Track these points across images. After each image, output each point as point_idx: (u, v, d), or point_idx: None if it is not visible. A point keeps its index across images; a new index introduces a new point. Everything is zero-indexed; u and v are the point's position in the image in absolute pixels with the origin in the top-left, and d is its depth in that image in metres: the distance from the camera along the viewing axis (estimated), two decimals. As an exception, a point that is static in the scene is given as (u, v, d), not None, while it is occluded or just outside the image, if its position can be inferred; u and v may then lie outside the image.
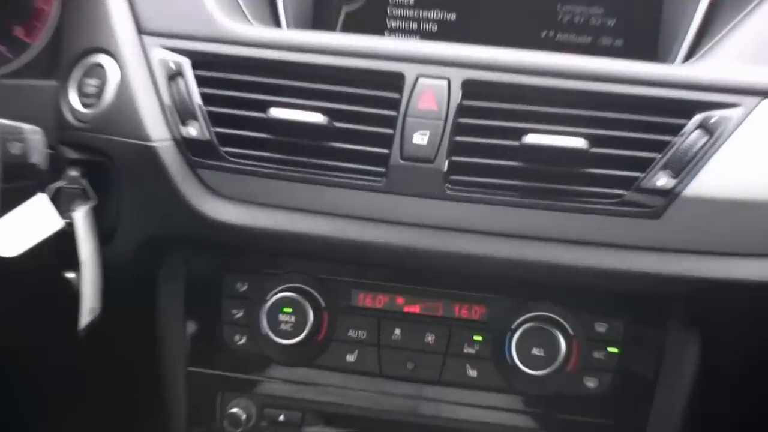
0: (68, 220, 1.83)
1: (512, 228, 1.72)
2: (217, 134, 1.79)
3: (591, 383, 1.81)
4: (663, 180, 1.68)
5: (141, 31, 1.85)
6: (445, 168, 1.72)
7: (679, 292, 1.73)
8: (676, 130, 1.69)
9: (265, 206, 1.78)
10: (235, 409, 1.90)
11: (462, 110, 1.74)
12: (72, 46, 1.91)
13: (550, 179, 1.72)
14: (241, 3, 1.93)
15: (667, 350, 1.80)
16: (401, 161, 1.73)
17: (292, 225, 1.76)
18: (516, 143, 1.70)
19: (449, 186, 1.73)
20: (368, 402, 1.88)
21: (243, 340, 1.89)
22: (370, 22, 2.13)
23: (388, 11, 2.13)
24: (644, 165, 1.69)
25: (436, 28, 2.11)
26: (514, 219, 1.72)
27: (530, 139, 1.69)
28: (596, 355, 1.80)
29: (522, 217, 1.72)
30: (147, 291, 1.93)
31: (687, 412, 1.82)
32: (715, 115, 1.69)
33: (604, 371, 1.80)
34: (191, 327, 1.93)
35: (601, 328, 1.80)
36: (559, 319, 1.79)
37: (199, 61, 1.81)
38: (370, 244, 1.74)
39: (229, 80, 1.81)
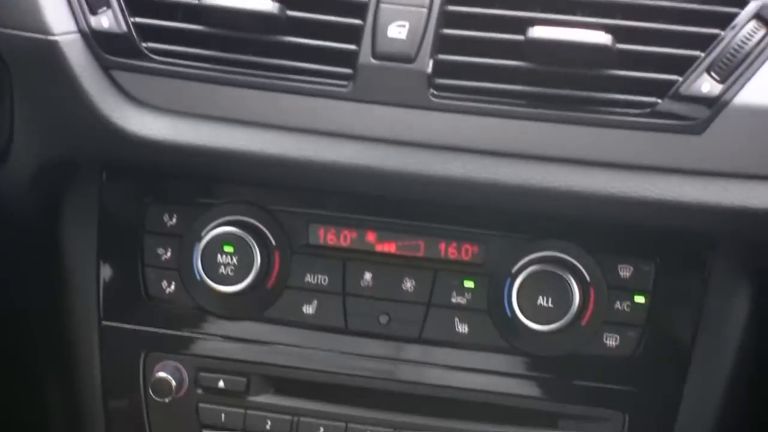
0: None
1: (514, 145, 1.65)
2: (137, 25, 1.71)
3: (612, 341, 1.74)
4: (707, 85, 1.60)
5: None
6: (429, 69, 1.65)
7: (725, 226, 1.67)
8: (724, 21, 1.62)
9: (198, 117, 1.71)
10: (162, 374, 1.82)
11: None
12: None
13: (564, 84, 1.64)
14: None
15: (708, 301, 1.74)
16: (373, 60, 1.66)
17: (233, 141, 1.69)
18: (520, 38, 1.62)
19: (434, 92, 1.65)
20: (330, 364, 1.81)
21: (172, 288, 1.83)
22: None
23: None
24: (683, 66, 1.61)
25: None
26: (516, 134, 1.64)
27: (538, 32, 1.60)
28: (619, 306, 1.73)
29: (526, 132, 1.64)
30: (49, 227, 1.86)
31: (732, 379, 1.78)
32: None
33: (629, 326, 1.74)
34: (106, 272, 1.86)
35: (625, 272, 1.73)
36: (573, 261, 1.72)
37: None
38: (332, 165, 1.67)
39: None
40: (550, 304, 1.68)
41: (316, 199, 1.78)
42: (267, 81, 1.68)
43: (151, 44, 1.71)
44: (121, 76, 1.72)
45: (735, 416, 1.80)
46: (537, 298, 1.68)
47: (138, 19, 1.71)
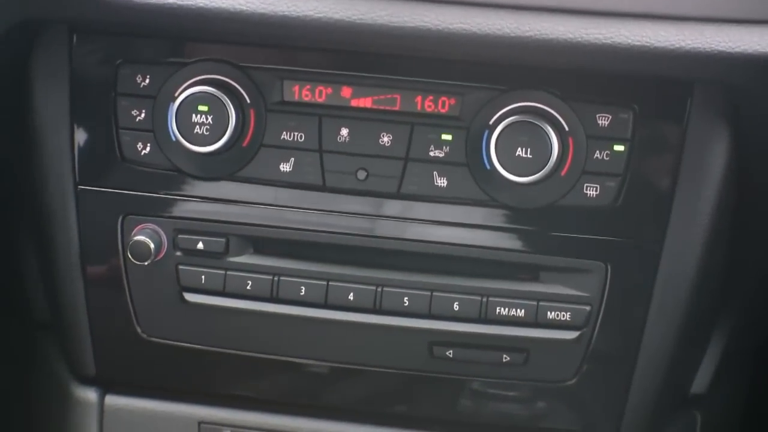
0: None
1: None
2: None
3: (592, 191, 1.76)
4: None
5: None
6: None
7: (703, 71, 1.67)
8: None
9: None
10: (140, 237, 1.84)
11: None
12: None
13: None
14: None
15: (687, 148, 1.75)
16: None
17: None
18: None
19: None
20: (309, 223, 1.83)
21: (147, 150, 1.83)
22: None
23: None
24: None
25: None
26: None
27: None
28: (598, 155, 1.75)
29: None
30: (20, 92, 1.86)
31: (714, 225, 1.79)
32: None
33: (609, 176, 1.76)
34: (80, 135, 1.85)
35: (603, 121, 1.74)
36: (551, 111, 1.73)
37: None
38: (304, 19, 1.67)
39: None
40: (528, 155, 1.69)
41: (291, 56, 1.78)
42: None
43: None
44: None
45: (716, 265, 1.82)
46: (515, 150, 1.69)
47: None
